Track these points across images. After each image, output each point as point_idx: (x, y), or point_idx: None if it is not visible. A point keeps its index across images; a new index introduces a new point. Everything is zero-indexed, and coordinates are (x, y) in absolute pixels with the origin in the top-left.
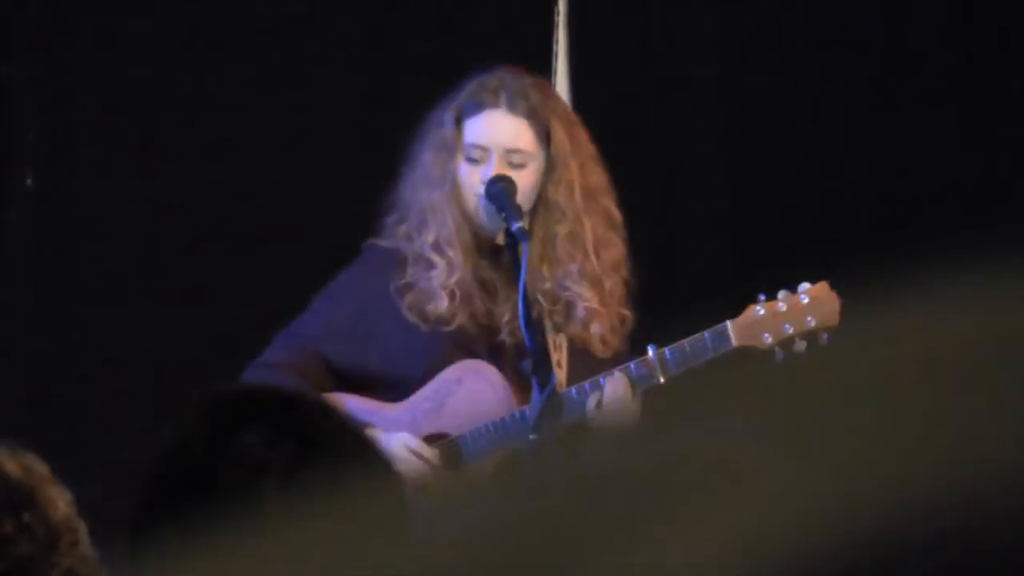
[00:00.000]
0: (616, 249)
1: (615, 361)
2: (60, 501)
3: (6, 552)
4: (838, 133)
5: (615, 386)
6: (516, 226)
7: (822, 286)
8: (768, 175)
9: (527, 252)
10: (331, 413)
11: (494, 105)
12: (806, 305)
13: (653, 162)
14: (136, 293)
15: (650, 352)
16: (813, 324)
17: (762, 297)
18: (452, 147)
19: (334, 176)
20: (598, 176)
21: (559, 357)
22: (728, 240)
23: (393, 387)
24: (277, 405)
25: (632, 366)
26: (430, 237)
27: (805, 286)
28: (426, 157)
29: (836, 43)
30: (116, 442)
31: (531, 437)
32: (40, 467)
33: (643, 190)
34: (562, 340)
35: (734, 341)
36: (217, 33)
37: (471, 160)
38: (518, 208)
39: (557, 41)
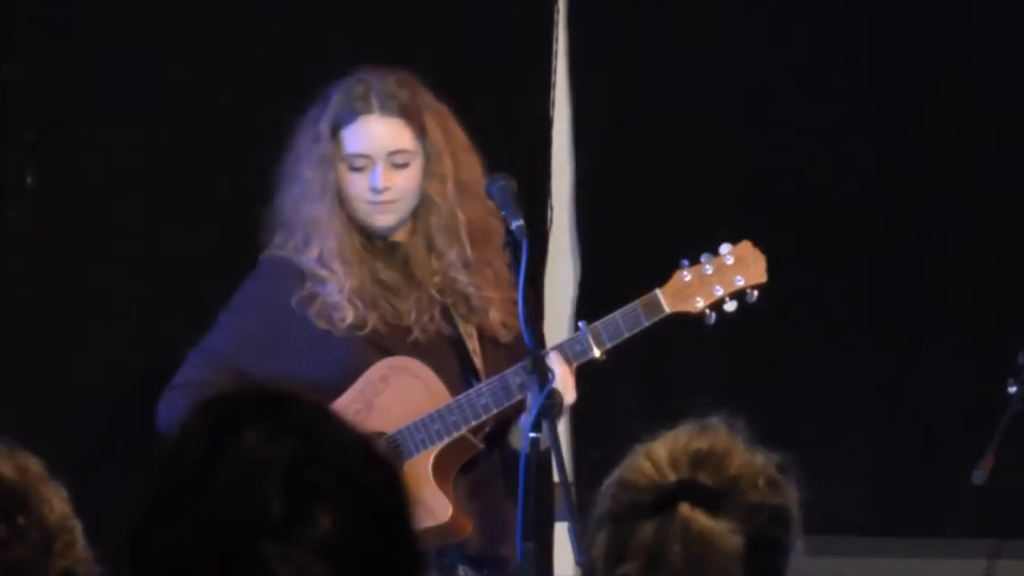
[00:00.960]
0: (493, 238)
1: (519, 343)
2: (56, 501)
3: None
4: (839, 134)
5: (557, 364)
6: (515, 224)
7: (745, 245)
8: (768, 175)
9: (526, 251)
10: (329, 413)
11: (367, 111)
12: (732, 265)
13: (653, 163)
14: (137, 292)
15: (582, 328)
16: (742, 283)
17: (686, 262)
18: (330, 159)
19: None
20: (472, 166)
21: (473, 346)
22: (729, 240)
23: (314, 393)
24: (276, 406)
25: (566, 344)
26: (315, 252)
27: (727, 247)
28: (305, 172)
29: (836, 43)
30: (116, 441)
31: (531, 435)
32: (36, 467)
33: (643, 191)
34: (472, 330)
35: (666, 308)
36: (217, 33)
37: (355, 169)
38: (517, 208)
39: (557, 41)
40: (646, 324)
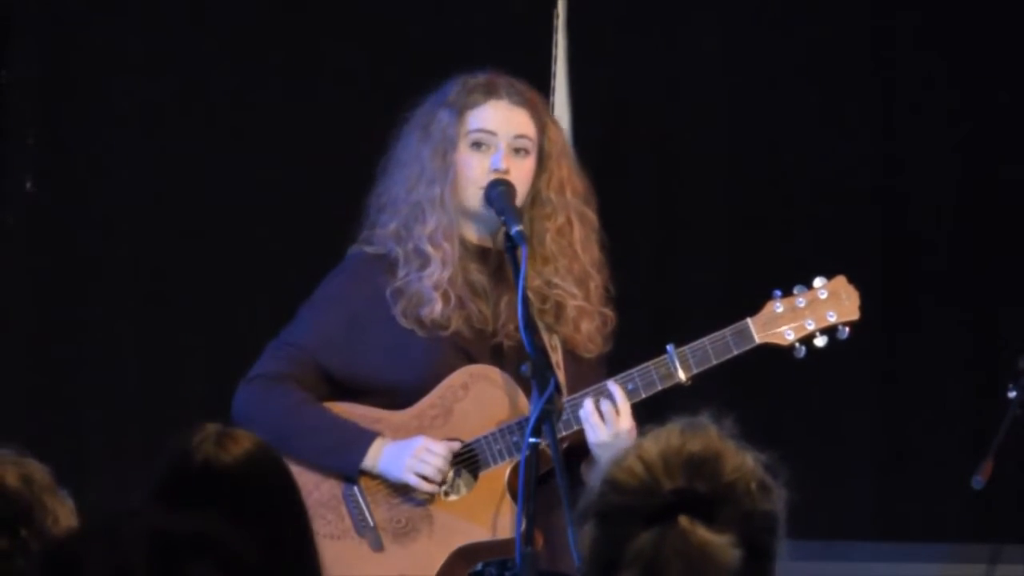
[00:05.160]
0: (595, 252)
1: (598, 362)
2: (61, 512)
3: (0, 568)
4: (840, 135)
5: (620, 398)
6: (515, 229)
7: (840, 280)
8: (768, 176)
9: (526, 255)
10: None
11: (497, 96)
12: (825, 300)
13: (652, 164)
14: (135, 295)
15: (670, 351)
16: (835, 319)
17: (778, 293)
18: (453, 140)
19: (335, 176)
20: (582, 180)
21: (556, 358)
22: (728, 241)
23: (391, 393)
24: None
25: (651, 366)
26: (427, 229)
27: (821, 280)
28: (423, 153)
29: (837, 44)
30: (116, 445)
31: (531, 440)
32: (42, 477)
33: (642, 192)
34: (556, 341)
35: (756, 338)
36: (217, 35)
37: (476, 146)
38: (518, 211)
39: (556, 44)
40: (735, 353)
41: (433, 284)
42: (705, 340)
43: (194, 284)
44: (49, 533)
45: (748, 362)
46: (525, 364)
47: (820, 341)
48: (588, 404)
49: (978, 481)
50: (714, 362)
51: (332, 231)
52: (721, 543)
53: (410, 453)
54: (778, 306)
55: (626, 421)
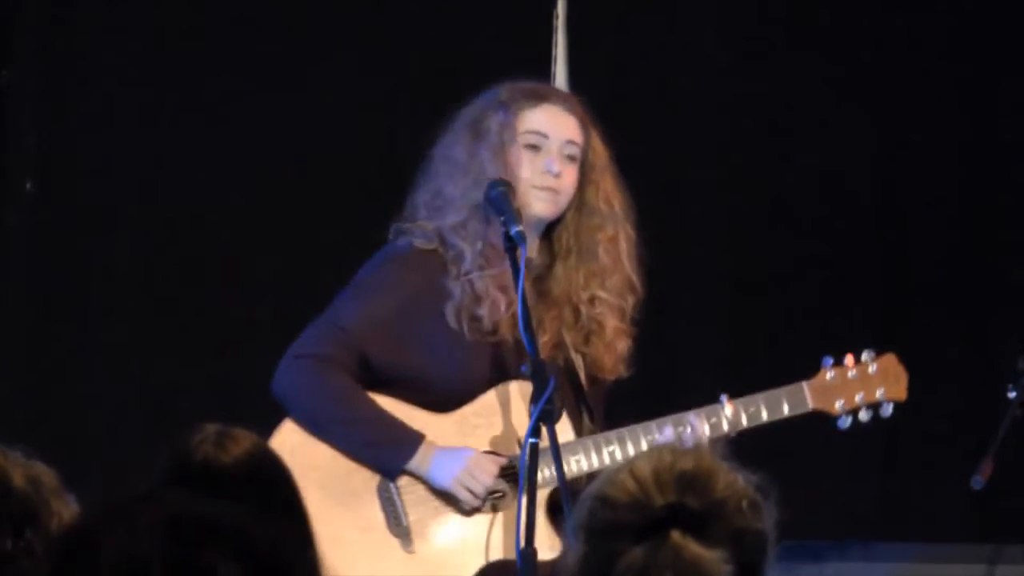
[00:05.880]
0: (636, 271)
1: (608, 386)
2: (67, 516)
3: (3, 570)
4: (841, 133)
5: (700, 431)
6: (515, 230)
7: (890, 358)
8: (768, 177)
9: (524, 255)
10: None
11: (550, 101)
12: (875, 376)
13: (652, 165)
14: (136, 296)
15: (724, 402)
16: (882, 396)
17: (830, 361)
18: (510, 140)
19: (335, 179)
20: (627, 197)
21: (583, 379)
22: (728, 240)
23: (427, 391)
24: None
25: (705, 414)
26: (492, 228)
27: (870, 354)
28: (481, 153)
29: (838, 44)
30: (117, 445)
31: (531, 440)
32: (49, 479)
33: (642, 193)
34: (581, 362)
35: (810, 404)
36: (217, 36)
37: (529, 147)
38: (517, 212)
39: (556, 44)
40: (787, 415)
41: (498, 284)
42: (759, 396)
43: (194, 284)
44: (54, 536)
45: (749, 362)
46: (525, 364)
47: (864, 415)
48: (669, 431)
49: (978, 481)
50: (764, 420)
51: (333, 231)
52: (713, 558)
53: (462, 465)
54: (831, 374)
55: None
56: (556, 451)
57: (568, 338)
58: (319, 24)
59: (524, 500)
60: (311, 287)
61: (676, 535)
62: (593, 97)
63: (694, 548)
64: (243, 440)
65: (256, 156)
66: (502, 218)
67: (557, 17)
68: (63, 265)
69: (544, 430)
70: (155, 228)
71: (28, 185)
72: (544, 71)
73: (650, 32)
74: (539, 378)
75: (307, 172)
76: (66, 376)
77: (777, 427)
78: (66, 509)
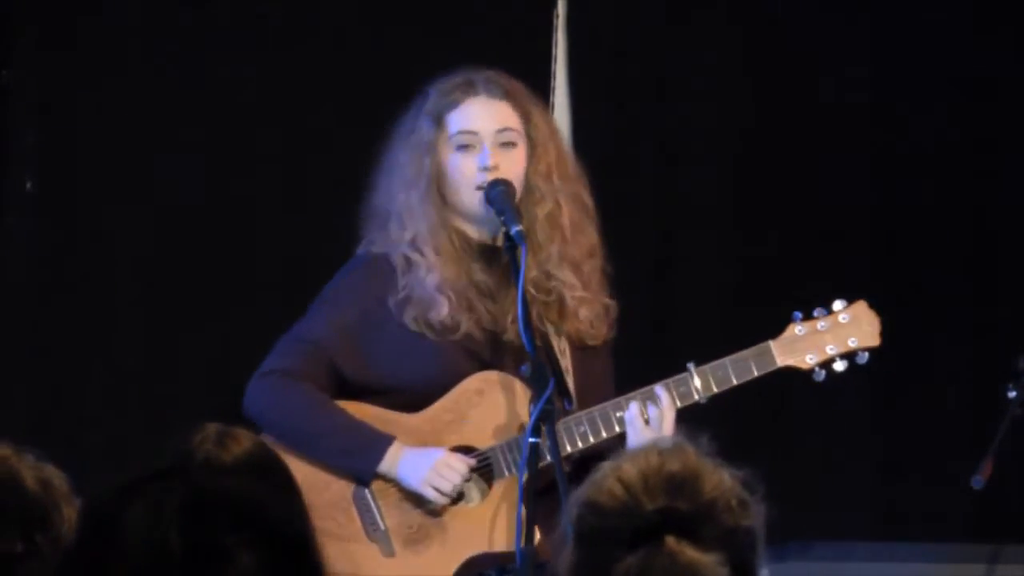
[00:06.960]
0: (591, 235)
1: (605, 350)
2: (76, 518)
3: (13, 572)
4: (838, 134)
5: (665, 400)
6: (515, 229)
7: (861, 305)
8: (768, 176)
9: (526, 255)
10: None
11: (473, 94)
12: (846, 324)
13: (652, 165)
14: (136, 296)
15: (691, 369)
16: (856, 344)
17: (798, 315)
18: (428, 146)
19: (336, 176)
20: (572, 162)
21: (566, 363)
22: (729, 240)
23: (400, 394)
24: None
25: (671, 383)
26: (407, 236)
27: (842, 304)
28: (400, 159)
29: (839, 45)
30: (117, 445)
31: (530, 440)
32: (61, 483)
33: (642, 192)
34: (564, 345)
35: (778, 361)
36: (217, 36)
37: (462, 148)
38: (517, 211)
39: (556, 44)
40: (756, 375)
41: (435, 286)
42: (726, 360)
43: (195, 283)
44: (63, 540)
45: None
46: (525, 364)
47: (839, 365)
48: (635, 407)
49: (978, 481)
50: (734, 383)
51: (333, 231)
52: (709, 562)
53: (429, 465)
54: (800, 329)
55: (669, 427)
56: (556, 451)
57: (547, 320)
58: (319, 24)
59: (524, 499)
60: (312, 287)
61: (671, 541)
62: (593, 97)
63: (690, 553)
64: (244, 439)
65: (257, 156)
66: (502, 218)
67: (557, 17)
68: (63, 264)
69: (543, 430)
70: (155, 228)
71: (28, 185)
72: (544, 71)
73: (650, 32)
74: (539, 378)
75: (308, 172)
76: (66, 376)
77: (777, 427)
78: (76, 513)
